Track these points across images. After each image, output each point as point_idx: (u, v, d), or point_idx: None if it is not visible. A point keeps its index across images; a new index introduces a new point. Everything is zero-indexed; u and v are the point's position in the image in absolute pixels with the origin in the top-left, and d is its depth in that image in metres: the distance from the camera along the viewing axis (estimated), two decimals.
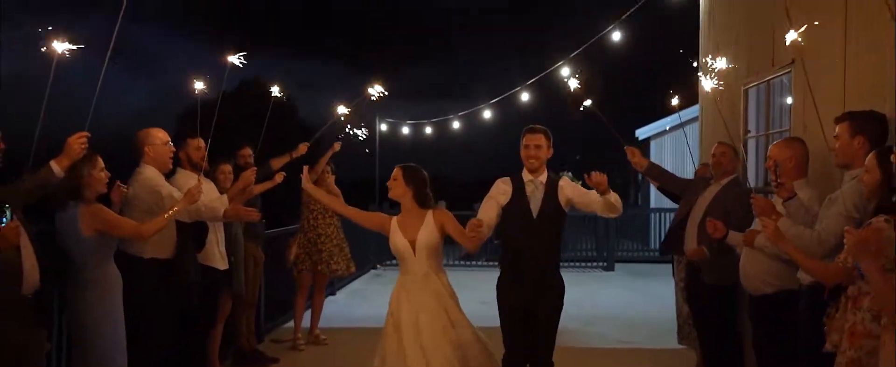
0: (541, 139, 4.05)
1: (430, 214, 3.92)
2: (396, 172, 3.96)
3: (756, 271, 3.76)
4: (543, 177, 4.06)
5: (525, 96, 10.49)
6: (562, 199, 4.02)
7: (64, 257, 3.54)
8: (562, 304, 4.07)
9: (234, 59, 4.44)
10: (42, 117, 3.11)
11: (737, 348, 4.73)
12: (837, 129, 3.20)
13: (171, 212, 3.89)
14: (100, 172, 3.59)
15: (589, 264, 12.79)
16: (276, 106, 5.38)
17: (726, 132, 5.34)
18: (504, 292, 4.11)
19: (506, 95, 10.43)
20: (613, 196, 3.88)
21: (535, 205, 4.00)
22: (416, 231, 3.87)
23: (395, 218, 4.00)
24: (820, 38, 4.10)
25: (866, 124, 3.03)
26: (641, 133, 16.61)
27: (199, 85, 4.16)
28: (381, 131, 13.32)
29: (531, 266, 4.00)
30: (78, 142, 3.29)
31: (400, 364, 3.66)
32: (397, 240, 3.91)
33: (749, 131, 5.45)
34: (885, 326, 2.51)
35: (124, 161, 4.24)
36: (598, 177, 3.81)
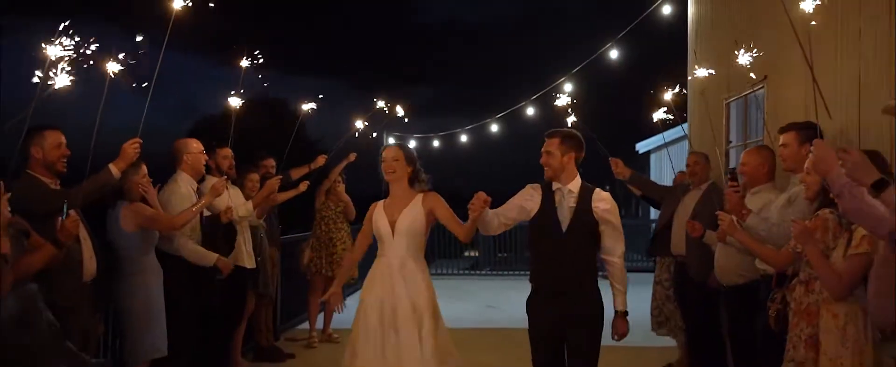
0: (552, 144, 3.61)
1: (419, 197, 3.74)
2: (396, 152, 3.77)
3: (728, 265, 4.19)
4: (574, 185, 3.60)
5: (530, 111, 10.95)
6: (596, 211, 3.55)
7: (111, 250, 3.99)
8: (600, 328, 3.57)
9: (245, 62, 4.87)
10: (96, 128, 3.53)
11: (719, 340, 5.13)
12: (783, 138, 3.65)
13: (199, 204, 4.35)
14: (141, 178, 4.06)
15: None
16: (288, 121, 5.85)
17: (711, 143, 5.81)
18: (534, 312, 3.66)
19: (510, 110, 10.88)
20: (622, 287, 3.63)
21: (563, 216, 3.54)
22: (398, 212, 3.70)
23: (380, 202, 3.84)
24: (787, 57, 4.56)
25: (811, 133, 3.48)
26: (641, 147, 17.01)
27: (234, 101, 4.63)
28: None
29: (562, 286, 3.53)
30: (132, 147, 3.76)
31: (366, 350, 3.58)
32: (379, 220, 3.74)
33: (730, 142, 5.91)
34: (825, 300, 2.95)
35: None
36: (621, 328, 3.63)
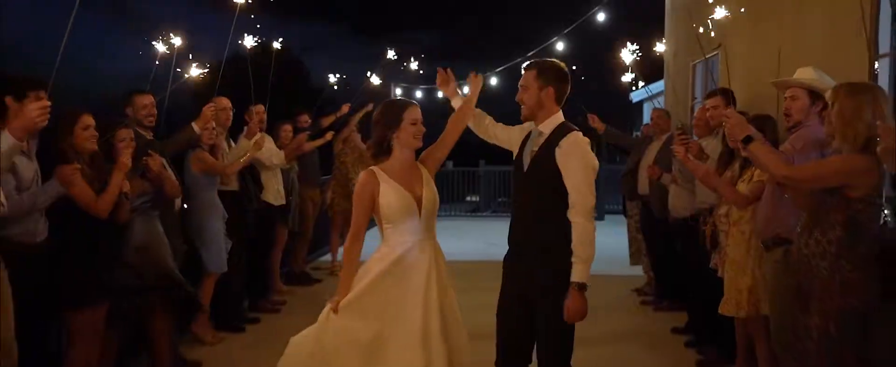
0: (528, 77, 3.10)
1: (420, 166, 3.18)
2: (420, 113, 3.12)
3: (678, 201, 5.19)
4: (548, 125, 3.08)
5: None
6: (558, 158, 2.97)
7: (185, 188, 4.95)
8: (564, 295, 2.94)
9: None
10: (168, 97, 4.48)
11: (677, 265, 6.16)
12: (711, 102, 4.59)
13: (247, 157, 5.32)
14: (210, 131, 5.03)
15: None
16: (293, 71, 6.65)
17: (676, 100, 6.75)
18: (504, 273, 3.20)
19: (506, 65, 11.71)
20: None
21: (528, 157, 3.11)
22: (419, 186, 3.08)
23: (374, 170, 3.06)
24: (735, 29, 5.45)
25: (733, 96, 4.42)
26: (635, 96, 17.87)
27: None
28: (396, 95, 14.63)
29: (526, 239, 3.10)
30: (210, 109, 4.74)
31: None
32: (395, 195, 3.01)
33: (695, 98, 6.84)
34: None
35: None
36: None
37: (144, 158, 4.11)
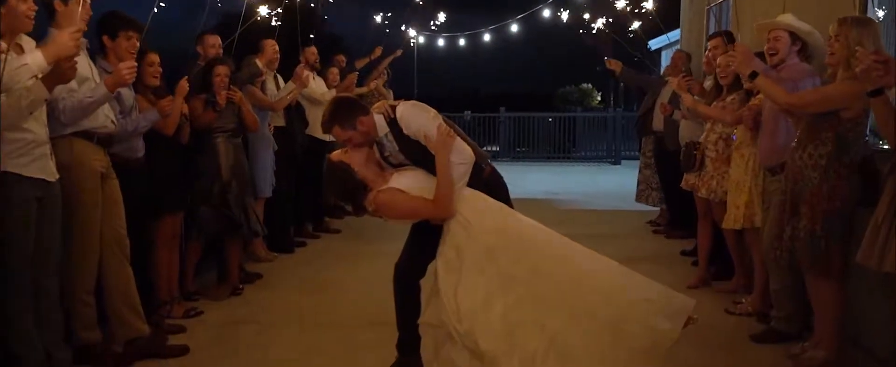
0: (340, 134, 3.32)
1: None
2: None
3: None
4: (383, 128, 3.36)
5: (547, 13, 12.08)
6: (411, 134, 3.32)
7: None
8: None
9: None
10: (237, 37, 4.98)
11: (689, 197, 6.66)
12: (714, 42, 5.02)
13: (290, 94, 5.80)
14: (263, 69, 5.54)
15: (600, 160, 14.88)
16: (310, 18, 6.83)
17: (695, 43, 7.14)
18: None
19: (529, 12, 12.00)
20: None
21: (399, 156, 3.40)
22: None
23: None
24: None
25: (731, 36, 4.83)
26: (654, 44, 18.10)
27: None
28: (418, 43, 14.97)
29: None
30: (273, 48, 5.26)
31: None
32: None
33: None
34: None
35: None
36: None
37: (223, 91, 4.62)
